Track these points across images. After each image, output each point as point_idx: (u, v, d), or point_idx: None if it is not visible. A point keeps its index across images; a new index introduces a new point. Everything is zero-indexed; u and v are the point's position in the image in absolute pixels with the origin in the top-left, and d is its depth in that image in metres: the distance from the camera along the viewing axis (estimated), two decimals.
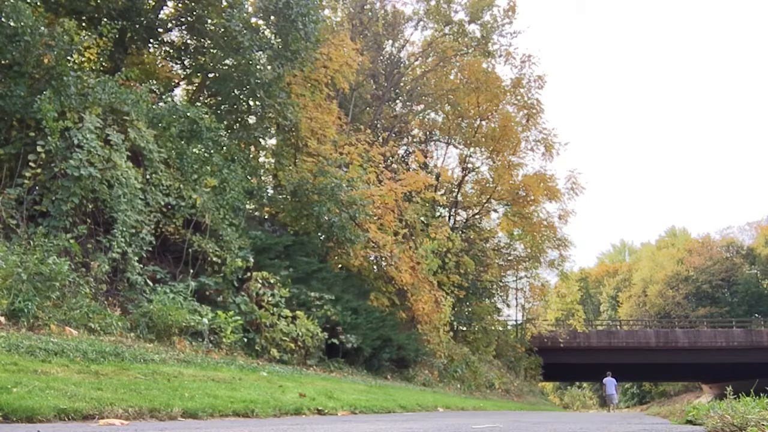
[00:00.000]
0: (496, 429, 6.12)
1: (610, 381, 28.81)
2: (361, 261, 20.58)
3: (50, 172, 10.73)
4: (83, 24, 14.59)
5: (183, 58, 18.53)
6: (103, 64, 15.51)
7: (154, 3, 16.91)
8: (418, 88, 32.15)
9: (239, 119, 18.72)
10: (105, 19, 13.31)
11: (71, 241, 10.12)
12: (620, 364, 40.64)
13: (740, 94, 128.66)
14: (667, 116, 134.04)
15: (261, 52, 16.63)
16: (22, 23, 10.86)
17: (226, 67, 16.86)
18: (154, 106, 13.35)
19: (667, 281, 62.24)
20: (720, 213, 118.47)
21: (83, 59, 14.74)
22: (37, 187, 10.70)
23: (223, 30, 15.82)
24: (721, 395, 18.23)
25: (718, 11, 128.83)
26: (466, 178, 34.64)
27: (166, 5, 17.42)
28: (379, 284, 21.83)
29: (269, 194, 19.99)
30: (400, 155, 33.05)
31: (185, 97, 18.58)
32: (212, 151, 14.46)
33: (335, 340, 15.49)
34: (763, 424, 5.15)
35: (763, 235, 65.15)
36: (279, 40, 16.90)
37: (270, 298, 13.91)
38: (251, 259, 14.28)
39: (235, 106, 18.22)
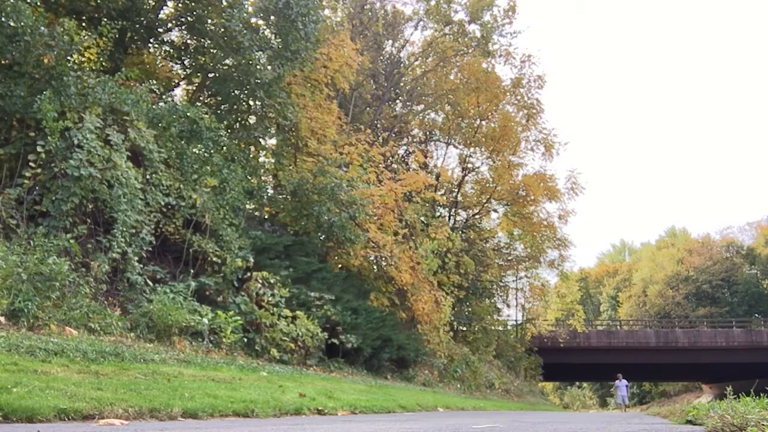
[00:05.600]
0: (496, 429, 6.12)
1: (621, 383, 29.13)
2: (361, 261, 20.57)
3: (50, 172, 10.72)
4: (83, 24, 14.58)
5: (183, 58, 18.51)
6: (103, 64, 15.50)
7: (154, 3, 16.90)
8: (418, 88, 32.14)
9: (239, 119, 18.71)
10: (105, 19, 13.31)
11: (71, 241, 10.12)
12: (620, 364, 40.67)
13: (740, 93, 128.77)
14: (667, 116, 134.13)
15: (261, 52, 16.62)
16: (22, 23, 10.85)
17: (226, 67, 16.85)
18: (154, 106, 13.34)
19: (667, 281, 62.24)
20: (720, 213, 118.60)
21: (83, 59, 14.74)
22: (37, 187, 10.69)
23: (223, 30, 15.81)
24: (721, 395, 18.22)
25: (719, 10, 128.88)
26: (466, 178, 34.63)
27: (166, 5, 17.40)
28: (379, 284, 21.82)
29: (269, 194, 19.98)
30: (400, 155, 33.05)
31: (185, 97, 18.57)
32: (212, 151, 14.45)
33: (335, 340, 15.49)
34: (763, 424, 5.15)
35: (763, 235, 65.15)
36: (279, 40, 16.89)
37: (270, 298, 13.91)
38: (251, 259, 14.27)
39: (235, 106, 18.22)
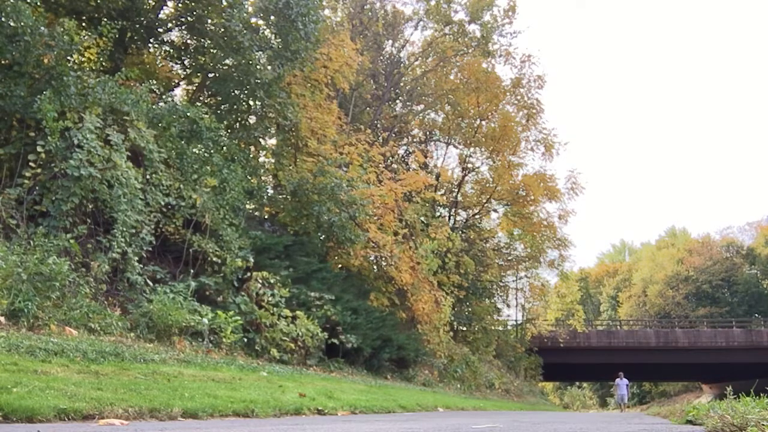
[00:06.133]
0: (496, 429, 6.12)
1: (621, 382, 28.71)
2: (361, 261, 20.57)
3: (50, 172, 10.72)
4: (83, 24, 14.58)
5: (183, 58, 18.53)
6: (103, 64, 15.51)
7: (154, 3, 16.90)
8: (418, 88, 32.15)
9: (239, 119, 18.71)
10: (105, 19, 13.31)
11: (71, 241, 10.12)
12: (620, 364, 40.70)
13: (741, 93, 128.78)
14: (668, 115, 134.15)
15: (261, 52, 16.63)
16: (22, 23, 10.85)
17: (226, 67, 16.86)
18: (154, 106, 13.34)
19: (667, 281, 62.23)
20: (720, 213, 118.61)
21: (83, 59, 14.75)
22: (37, 187, 10.69)
23: (223, 30, 15.82)
24: (721, 395, 18.23)
25: (719, 9, 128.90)
26: (466, 178, 34.64)
27: (166, 5, 17.41)
28: (379, 284, 21.82)
29: (269, 194, 19.99)
30: (400, 155, 33.05)
31: (185, 97, 18.58)
32: (212, 151, 14.45)
33: (335, 340, 15.49)
34: (763, 424, 5.15)
35: (763, 235, 65.13)
36: (279, 40, 16.90)
37: (270, 298, 13.91)
38: (251, 259, 14.27)
39: (235, 106, 18.22)
